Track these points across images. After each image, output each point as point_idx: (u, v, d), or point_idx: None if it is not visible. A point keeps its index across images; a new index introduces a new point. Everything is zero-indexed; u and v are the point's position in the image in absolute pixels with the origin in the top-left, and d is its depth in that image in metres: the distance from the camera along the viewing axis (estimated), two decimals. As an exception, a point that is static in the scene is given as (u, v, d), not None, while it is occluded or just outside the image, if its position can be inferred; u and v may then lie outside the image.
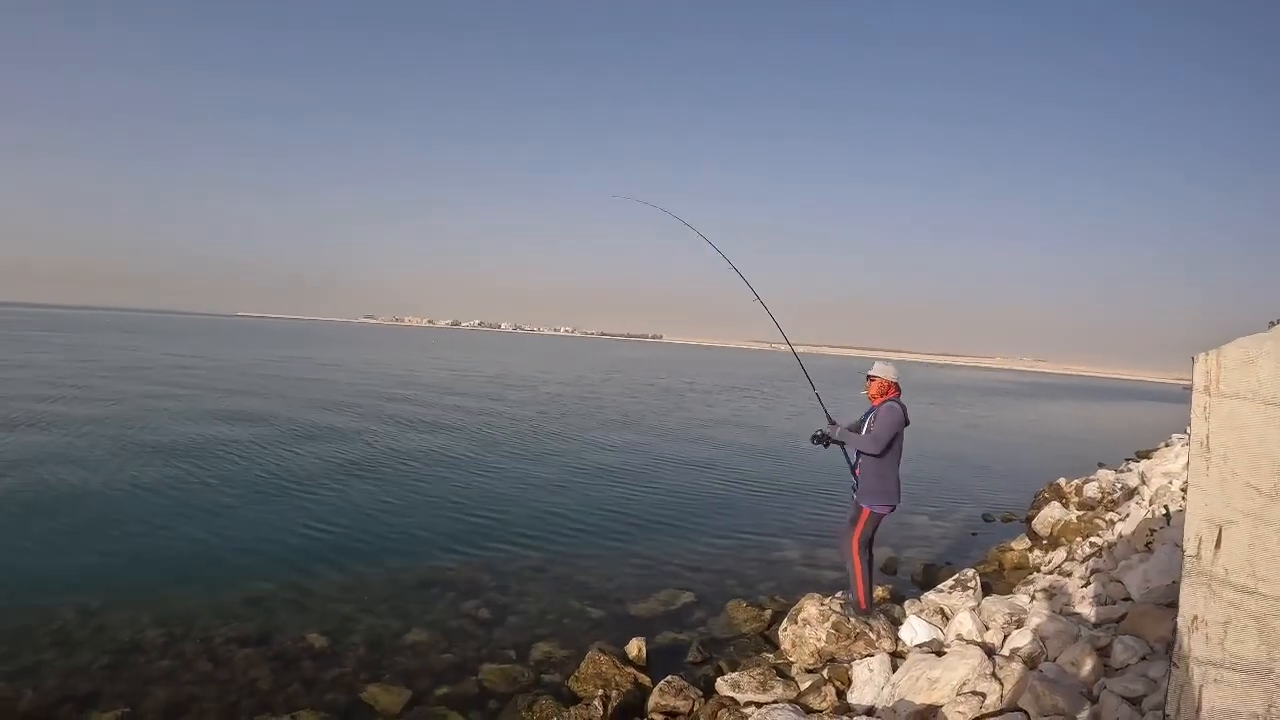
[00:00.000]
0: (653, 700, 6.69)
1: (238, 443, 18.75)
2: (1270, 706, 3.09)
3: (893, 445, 7.46)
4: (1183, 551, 3.41)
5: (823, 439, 7.87)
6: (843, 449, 7.92)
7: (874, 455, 7.40)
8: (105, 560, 10.32)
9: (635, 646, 7.69)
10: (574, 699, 6.89)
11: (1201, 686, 3.10)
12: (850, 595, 7.74)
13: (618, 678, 7.04)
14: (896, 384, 7.72)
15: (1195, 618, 3.22)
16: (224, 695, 6.95)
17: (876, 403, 7.68)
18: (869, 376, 7.83)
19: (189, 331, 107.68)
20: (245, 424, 22.07)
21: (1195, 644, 3.17)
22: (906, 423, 7.56)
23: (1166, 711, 3.11)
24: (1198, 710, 3.07)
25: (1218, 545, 3.34)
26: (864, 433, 7.55)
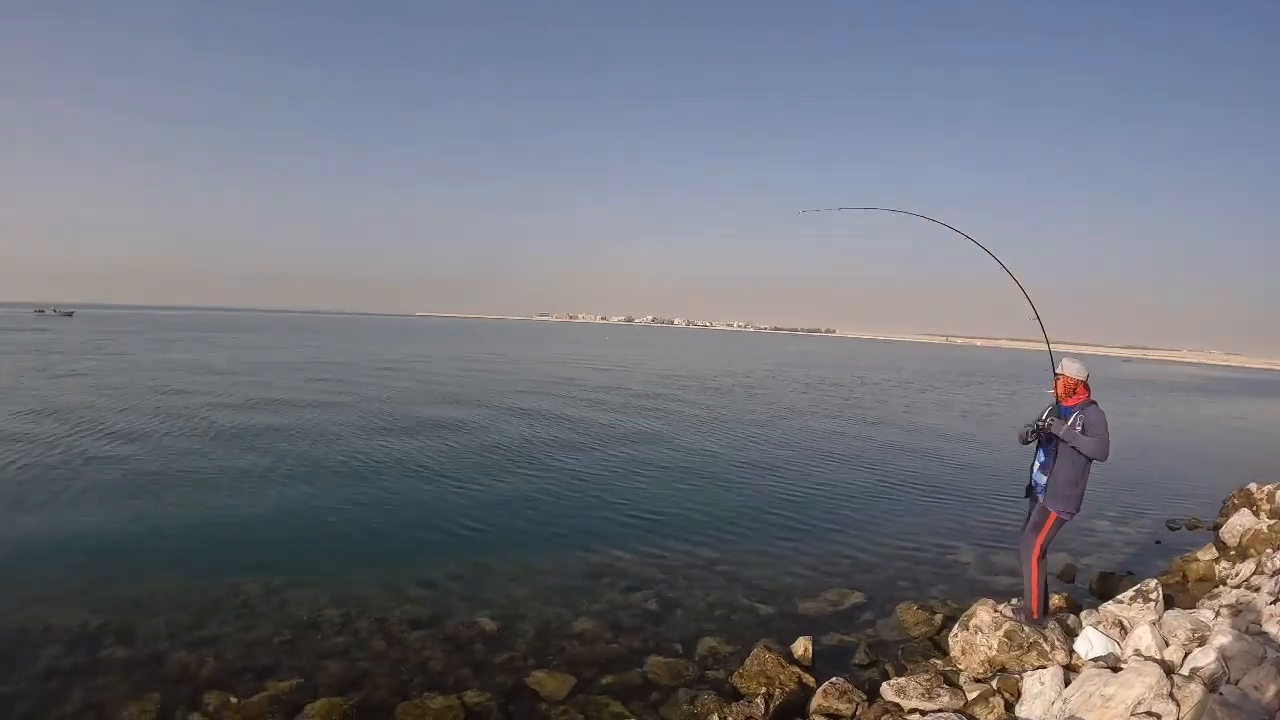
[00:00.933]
0: (815, 701, 6.72)
1: (425, 434, 19.56)
2: None
3: None
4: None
5: (1036, 431, 7.60)
6: (1037, 448, 7.70)
7: (1100, 459, 7.18)
8: (288, 539, 10.94)
9: (802, 646, 7.72)
10: (736, 695, 6.98)
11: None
12: (1024, 603, 7.59)
13: (782, 676, 7.08)
14: (1085, 382, 7.48)
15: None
16: (395, 673, 7.29)
17: (1067, 402, 7.47)
18: (1056, 374, 7.61)
19: (378, 330, 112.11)
20: (443, 412, 22.97)
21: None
22: None
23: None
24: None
25: None
26: (1081, 435, 7.29)
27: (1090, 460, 7.24)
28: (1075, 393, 7.46)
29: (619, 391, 34.37)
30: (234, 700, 6.75)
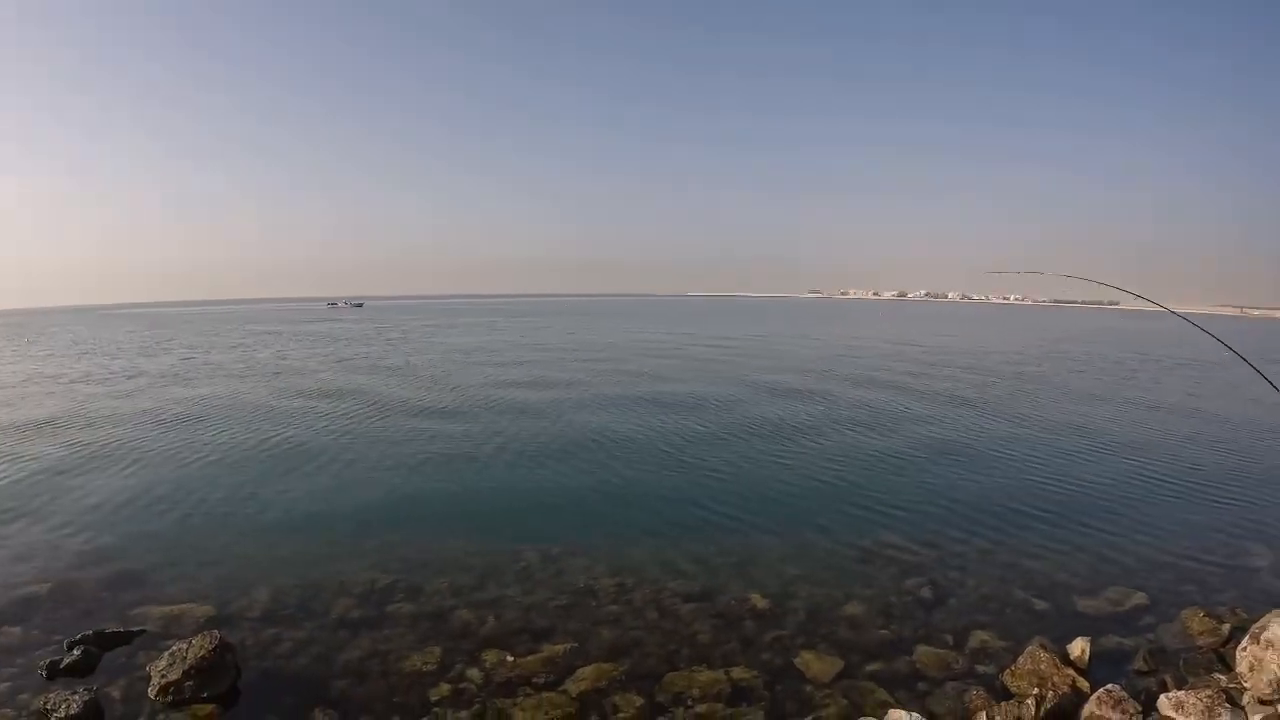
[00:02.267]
0: (1088, 709, 6.64)
1: (695, 409, 20.08)
2: None
3: None
4: None
5: None
6: None
7: None
8: (569, 509, 11.68)
9: (1079, 647, 7.60)
10: (1006, 694, 7.00)
11: None
12: (1329, 619, 7.18)
13: (1055, 678, 7.03)
14: None
15: None
16: (665, 644, 7.71)
17: None
18: None
19: (677, 311, 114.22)
20: (721, 392, 23.59)
21: None
22: None
23: None
24: None
25: None
26: None
27: None
28: None
29: (891, 373, 33.70)
30: (510, 658, 7.38)
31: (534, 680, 7.05)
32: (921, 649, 7.82)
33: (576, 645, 7.61)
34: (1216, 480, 15.68)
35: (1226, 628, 8.37)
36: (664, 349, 45.16)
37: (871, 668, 7.47)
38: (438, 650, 7.50)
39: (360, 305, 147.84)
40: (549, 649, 7.52)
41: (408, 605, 8.50)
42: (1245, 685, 6.94)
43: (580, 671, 7.12)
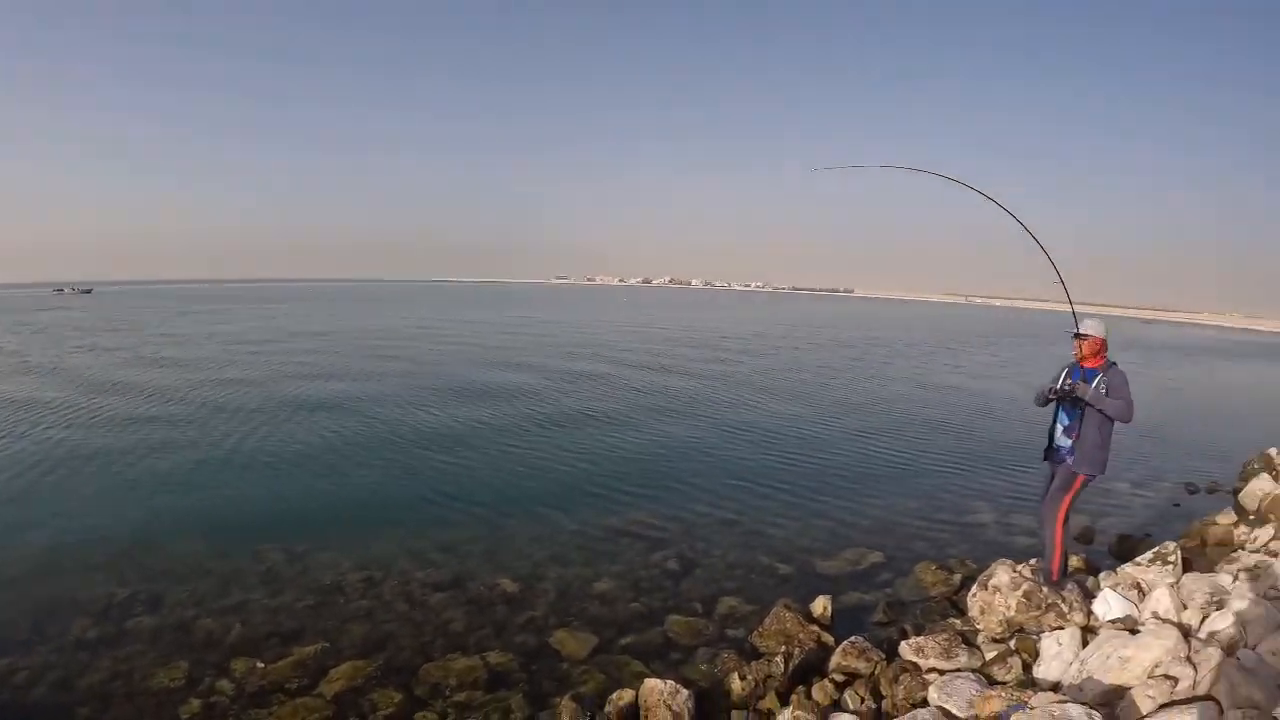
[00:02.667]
0: (834, 660, 6.83)
1: (435, 399, 19.58)
2: None
3: None
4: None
5: (1066, 394, 7.52)
6: (1057, 411, 7.71)
7: (1125, 422, 7.21)
8: (312, 507, 11.11)
9: (821, 605, 7.80)
10: (756, 654, 7.10)
11: None
12: (1044, 564, 7.65)
13: (801, 635, 7.17)
14: (1106, 342, 7.47)
15: None
16: (418, 635, 7.44)
17: (1089, 364, 7.46)
18: (1079, 334, 7.54)
19: (414, 298, 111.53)
20: (449, 381, 23.02)
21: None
22: None
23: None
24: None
25: None
26: (1107, 398, 7.30)
27: (1114, 422, 7.26)
28: (1099, 354, 7.45)
29: (635, 354, 34.26)
30: (260, 665, 6.92)
31: (287, 686, 6.60)
32: (673, 618, 7.84)
33: (328, 645, 7.22)
34: (946, 447, 16.77)
35: (957, 578, 8.84)
36: (401, 337, 44.08)
37: (625, 641, 7.44)
38: (184, 664, 6.89)
39: (89, 291, 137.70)
40: (300, 651, 7.09)
41: (149, 619, 7.79)
42: (978, 627, 7.32)
43: (334, 672, 6.75)
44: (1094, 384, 7.32)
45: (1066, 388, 7.48)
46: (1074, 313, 8.04)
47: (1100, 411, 7.25)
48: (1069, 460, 7.52)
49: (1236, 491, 13.83)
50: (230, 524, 10.53)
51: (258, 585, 8.58)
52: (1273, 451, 15.87)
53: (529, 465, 13.53)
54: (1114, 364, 7.42)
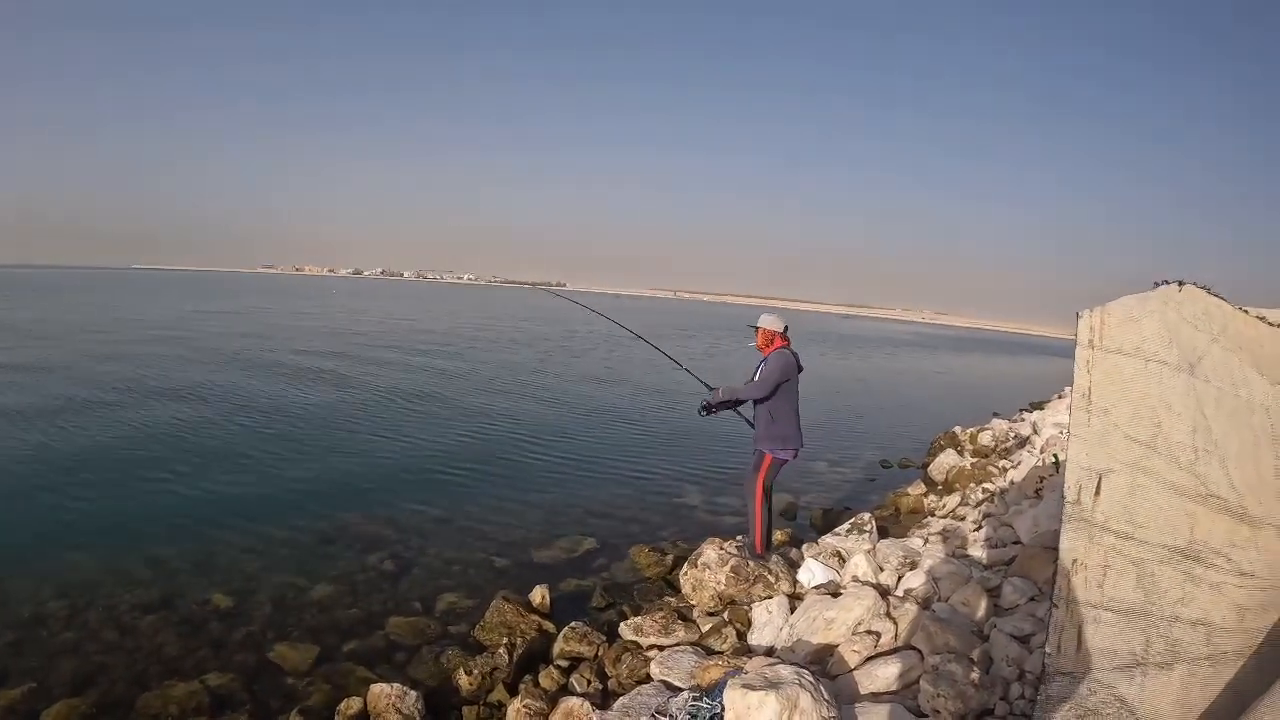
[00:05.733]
0: (558, 646, 6.79)
1: (125, 403, 18.10)
2: (1147, 645, 3.27)
3: (780, 389, 7.65)
4: (1063, 498, 3.55)
5: (709, 408, 8.08)
6: (735, 409, 8.14)
7: (762, 399, 7.63)
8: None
9: (539, 594, 7.75)
10: (480, 648, 6.92)
11: (1081, 626, 3.26)
12: (749, 539, 7.93)
13: (522, 625, 7.09)
14: (783, 333, 7.92)
15: (1075, 561, 3.36)
16: (132, 663, 6.84)
17: (766, 352, 7.89)
18: (755, 328, 8.05)
19: (92, 286, 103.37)
20: (134, 381, 21.41)
21: (1075, 586, 3.32)
22: (800, 369, 7.80)
23: (1047, 650, 3.25)
24: (1078, 649, 3.22)
25: (1097, 492, 3.49)
26: (745, 384, 7.78)
27: (779, 400, 7.71)
28: (772, 343, 7.92)
29: (341, 348, 33.02)
30: None
31: None
32: (394, 620, 7.56)
33: (36, 685, 6.49)
34: (651, 435, 17.04)
35: (670, 558, 8.99)
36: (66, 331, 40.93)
37: (348, 647, 7.09)
38: None
39: None
40: (7, 695, 6.38)
41: None
42: (692, 603, 7.45)
43: (46, 714, 6.10)
44: (758, 369, 7.85)
45: (703, 405, 8.18)
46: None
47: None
48: (754, 442, 7.94)
49: (926, 465, 14.86)
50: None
51: (-52, 628, 7.73)
52: (957, 429, 17.19)
53: (233, 471, 12.72)
54: (783, 349, 7.88)
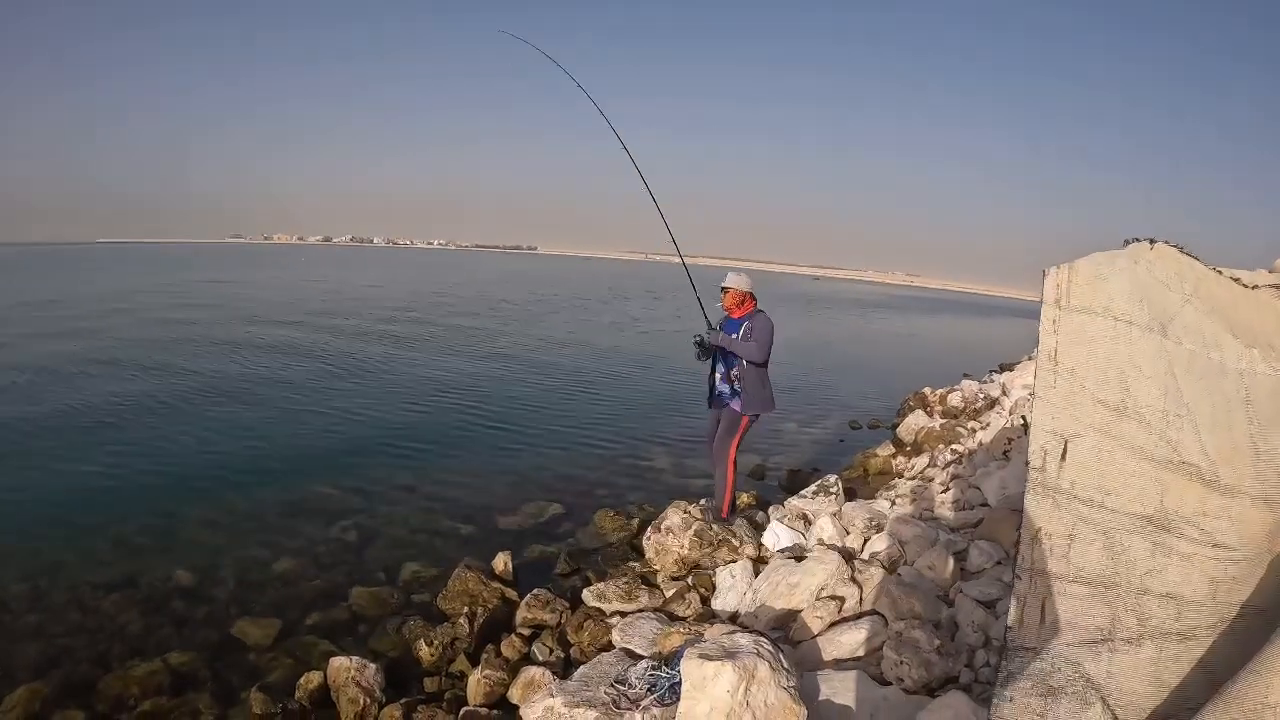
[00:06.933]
0: (520, 615, 6.71)
1: (83, 379, 17.73)
2: (1114, 619, 3.16)
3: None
4: (1027, 463, 3.45)
5: (702, 345, 7.89)
6: (715, 358, 7.98)
7: (759, 364, 7.49)
8: None
9: (501, 561, 7.66)
10: (443, 618, 6.84)
11: (1045, 599, 3.15)
12: (715, 503, 7.85)
13: (484, 594, 7.00)
14: (751, 294, 7.78)
15: (1039, 530, 3.25)
16: (95, 644, 6.70)
17: (736, 314, 7.76)
18: (723, 288, 7.87)
19: (58, 263, 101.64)
20: (90, 356, 21.10)
21: (1038, 556, 3.21)
22: None
23: (1009, 623, 3.14)
24: (1041, 622, 3.11)
25: (1063, 458, 3.38)
26: (742, 342, 7.62)
27: (764, 365, 7.60)
28: (744, 304, 7.77)
29: (316, 316, 32.58)
30: None
31: None
32: (356, 591, 7.44)
33: None
34: (619, 398, 16.92)
35: (635, 522, 8.89)
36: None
37: (311, 620, 6.97)
38: None
39: None
40: None
41: None
42: (656, 568, 7.38)
43: (9, 699, 5.92)
44: (740, 332, 7.63)
45: (698, 340, 7.90)
46: (684, 264, 8.75)
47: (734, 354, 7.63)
48: (733, 404, 7.79)
49: (895, 426, 14.81)
50: None
51: (-95, 618, 7.52)
52: (926, 390, 17.18)
53: (194, 442, 12.53)
54: (760, 311, 7.73)
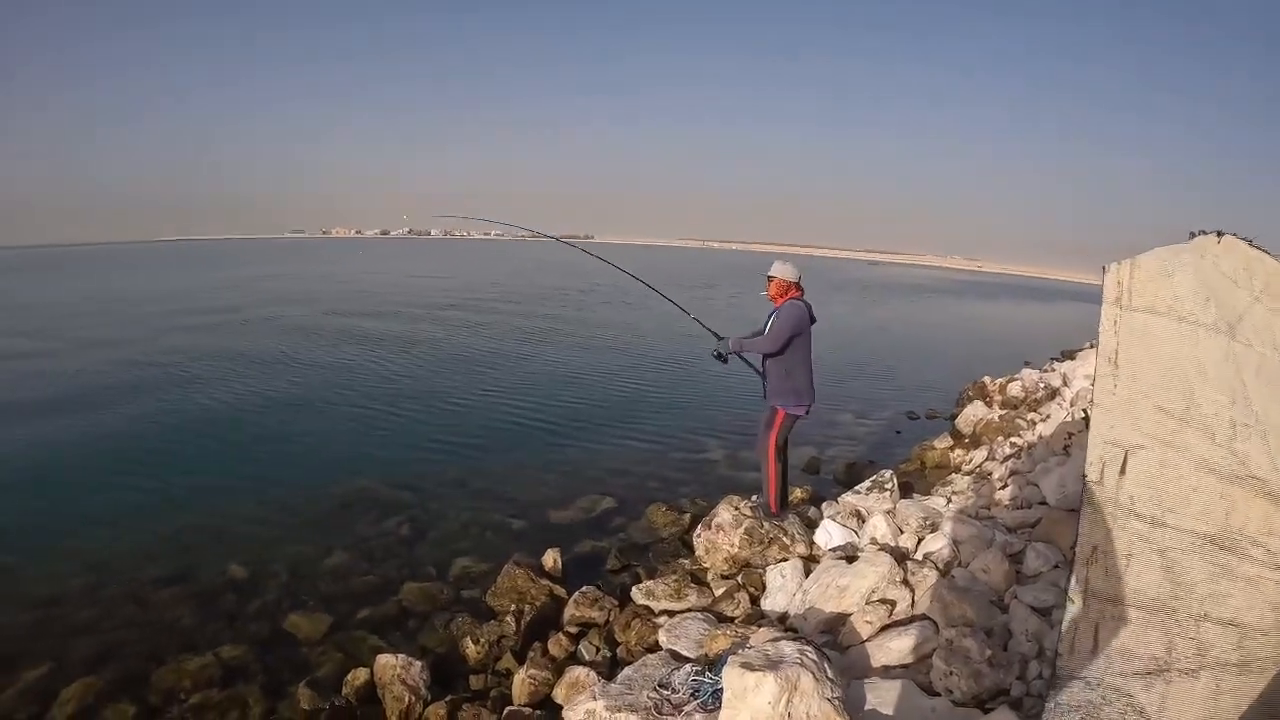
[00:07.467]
0: (568, 613, 6.70)
1: (140, 378, 17.93)
2: (1170, 648, 2.99)
3: (793, 343, 7.35)
4: (1083, 476, 3.29)
5: (720, 356, 7.83)
6: (743, 359, 7.86)
7: (773, 354, 7.34)
8: (19, 510, 9.90)
9: (550, 558, 7.63)
10: (491, 614, 6.85)
11: (1098, 624, 2.99)
12: (762, 499, 7.72)
13: (533, 591, 6.98)
14: (797, 283, 7.60)
15: (1094, 548, 3.10)
16: (147, 638, 6.77)
17: (778, 303, 7.58)
18: (768, 277, 7.71)
19: (130, 262, 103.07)
20: (146, 354, 21.40)
21: (1093, 576, 3.05)
22: (812, 320, 7.47)
23: (1059, 650, 2.99)
24: (1093, 649, 2.96)
25: (1122, 471, 3.22)
26: (757, 337, 7.50)
27: (793, 354, 7.42)
28: (786, 293, 7.59)
29: (363, 313, 32.80)
30: None
31: (15, 718, 5.95)
32: (407, 586, 7.47)
33: (55, 665, 6.43)
34: (674, 389, 16.82)
35: (687, 517, 8.80)
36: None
37: (361, 615, 7.01)
38: None
39: None
40: (25, 677, 6.27)
41: None
42: (706, 566, 7.29)
43: (64, 694, 6.00)
44: (769, 321, 7.51)
45: (715, 355, 7.93)
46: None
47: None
48: (765, 397, 7.68)
49: (953, 417, 14.54)
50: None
51: (-33, 611, 7.62)
52: (986, 379, 16.85)
53: (250, 437, 12.66)
54: (796, 300, 7.56)
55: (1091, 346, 20.27)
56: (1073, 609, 3.02)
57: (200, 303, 34.74)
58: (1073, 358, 20.44)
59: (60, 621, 7.12)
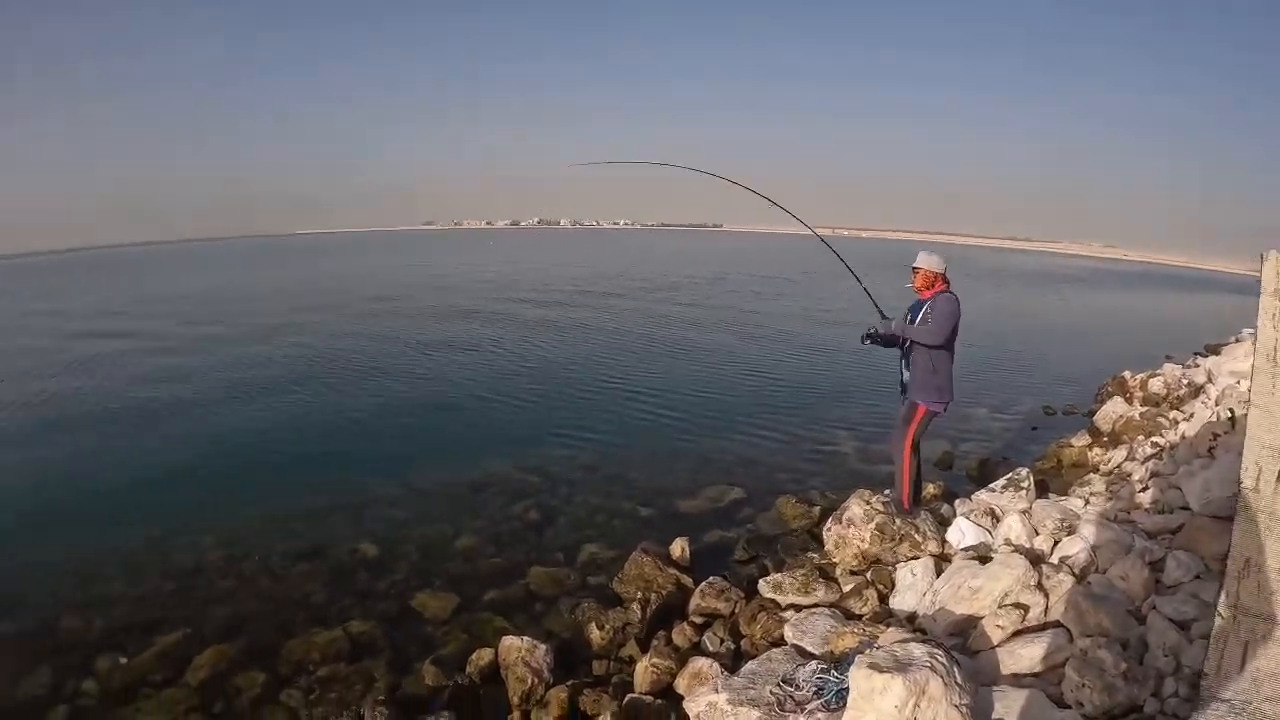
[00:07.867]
0: (694, 602, 6.74)
1: (292, 362, 18.63)
2: (1327, 675, 2.83)
3: (950, 338, 7.21)
4: (1238, 483, 3.15)
5: (875, 336, 7.60)
6: (899, 345, 7.66)
7: (932, 347, 7.16)
8: (168, 486, 10.37)
9: (678, 547, 7.66)
10: (617, 601, 6.95)
11: (1248, 643, 2.86)
12: (895, 494, 7.59)
13: (660, 579, 7.04)
14: (944, 275, 7.40)
15: (1248, 561, 2.97)
16: (280, 611, 7.08)
17: (925, 295, 7.37)
18: (914, 269, 7.50)
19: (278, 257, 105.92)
20: (303, 337, 22.16)
21: (1244, 592, 2.92)
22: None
23: (1204, 669, 2.87)
24: (1241, 670, 2.83)
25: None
26: (919, 325, 7.31)
27: (943, 349, 7.23)
28: (934, 285, 7.39)
29: (496, 300, 33.26)
30: (124, 661, 6.46)
31: (151, 679, 6.15)
32: (534, 570, 7.64)
33: (191, 631, 6.76)
34: (805, 380, 16.74)
35: (817, 510, 8.75)
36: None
37: (488, 597, 7.22)
38: (47, 670, 6.29)
39: None
40: (163, 642, 6.62)
41: (6, 624, 7.12)
42: (835, 561, 7.22)
43: (198, 659, 6.32)
44: (920, 314, 7.30)
45: (868, 332, 7.66)
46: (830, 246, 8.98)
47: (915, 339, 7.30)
48: (905, 392, 7.51)
49: (1092, 414, 14.08)
50: (83, 514, 9.67)
51: (117, 576, 7.93)
52: (1126, 375, 16.29)
53: (389, 422, 13.04)
54: (950, 293, 7.35)
55: (1238, 340, 19.43)
56: (1221, 624, 2.89)
57: (349, 291, 35.73)
58: (1217, 353, 19.56)
59: (199, 591, 7.49)
